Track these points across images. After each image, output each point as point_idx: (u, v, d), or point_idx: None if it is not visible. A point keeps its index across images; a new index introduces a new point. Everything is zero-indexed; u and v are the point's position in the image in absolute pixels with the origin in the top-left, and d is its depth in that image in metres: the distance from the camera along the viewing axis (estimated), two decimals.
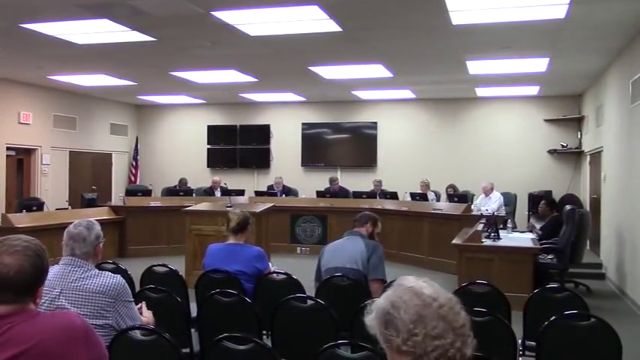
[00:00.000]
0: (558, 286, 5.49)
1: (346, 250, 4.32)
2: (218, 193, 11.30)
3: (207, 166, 13.74)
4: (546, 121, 11.93)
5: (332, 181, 11.50)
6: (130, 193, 11.08)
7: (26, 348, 1.73)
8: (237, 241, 4.44)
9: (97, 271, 2.75)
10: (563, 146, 11.70)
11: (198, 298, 4.07)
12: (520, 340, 3.52)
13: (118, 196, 12.43)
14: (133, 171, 14.02)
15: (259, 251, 4.44)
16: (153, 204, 10.35)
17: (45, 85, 11.30)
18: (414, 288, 1.35)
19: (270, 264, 4.53)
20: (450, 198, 9.96)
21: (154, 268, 4.40)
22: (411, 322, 1.30)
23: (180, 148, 14.06)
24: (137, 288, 3.95)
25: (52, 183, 11.74)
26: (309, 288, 4.04)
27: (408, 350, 1.29)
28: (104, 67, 9.56)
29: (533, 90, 11.24)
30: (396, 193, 10.65)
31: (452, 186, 10.76)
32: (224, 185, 10.81)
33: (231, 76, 9.91)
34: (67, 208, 10.19)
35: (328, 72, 9.50)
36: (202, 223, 7.55)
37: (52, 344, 1.76)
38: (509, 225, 7.74)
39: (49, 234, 7.68)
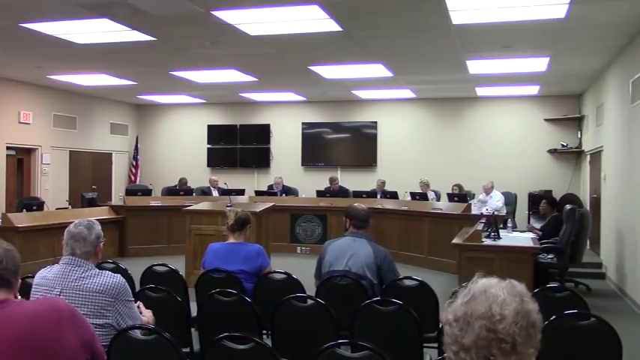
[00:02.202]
0: (558, 285, 5.49)
1: (353, 254, 4.10)
2: (216, 192, 11.31)
3: (208, 166, 13.74)
4: (546, 120, 11.93)
5: (332, 180, 11.52)
6: (130, 192, 11.07)
7: (18, 333, 1.76)
8: (237, 240, 4.44)
9: (97, 270, 2.75)
10: (563, 146, 11.70)
11: (198, 298, 4.07)
12: None
13: (118, 195, 12.44)
14: (133, 170, 14.02)
15: (259, 248, 4.43)
16: (153, 203, 10.35)
17: (45, 85, 11.30)
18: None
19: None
20: (450, 198, 9.96)
21: (154, 267, 4.40)
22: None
23: (180, 147, 14.06)
24: (137, 288, 3.96)
25: (52, 182, 11.74)
26: (309, 288, 4.03)
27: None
28: (104, 67, 9.56)
29: (534, 90, 11.23)
30: (396, 192, 10.65)
31: (457, 185, 10.77)
32: (224, 185, 10.81)
33: (231, 75, 9.91)
34: (67, 208, 10.19)
35: (328, 71, 9.50)
36: (202, 222, 7.55)
37: (43, 327, 1.81)
38: (510, 224, 7.73)
39: (50, 233, 7.70)
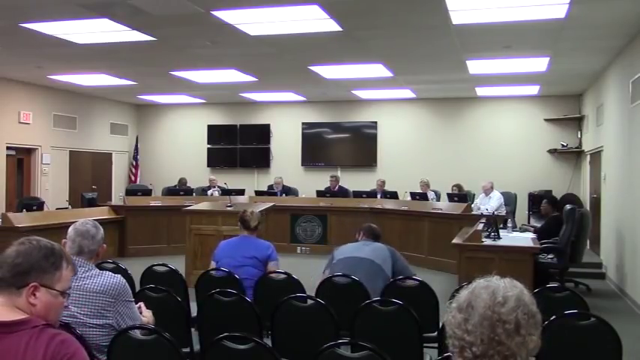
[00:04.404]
0: (558, 285, 5.49)
1: (371, 248, 4.43)
2: (215, 192, 11.31)
3: (208, 166, 13.73)
4: (546, 120, 11.93)
5: (331, 176, 11.55)
6: (130, 192, 11.07)
7: None
8: (250, 235, 4.71)
9: (98, 270, 2.75)
10: (563, 146, 11.70)
11: (198, 298, 4.07)
12: None
13: (118, 195, 12.44)
14: (133, 170, 14.02)
15: (270, 244, 4.71)
16: (153, 203, 10.34)
17: (45, 85, 11.30)
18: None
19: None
20: (450, 197, 9.96)
21: (154, 267, 4.40)
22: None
23: (180, 147, 14.06)
24: (137, 288, 3.96)
25: (52, 182, 11.74)
26: (309, 287, 4.03)
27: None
28: (104, 67, 9.56)
29: (534, 89, 11.23)
30: (396, 192, 10.65)
31: (457, 185, 10.76)
32: (224, 185, 10.81)
33: (231, 75, 9.91)
34: (67, 208, 10.19)
35: (328, 71, 9.50)
36: (202, 222, 7.55)
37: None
38: (510, 224, 7.73)
39: (50, 234, 7.64)
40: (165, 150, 14.24)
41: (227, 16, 6.21)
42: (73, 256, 2.74)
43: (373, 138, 12.86)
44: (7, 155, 10.83)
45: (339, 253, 4.47)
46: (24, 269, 1.74)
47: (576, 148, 11.53)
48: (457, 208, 9.03)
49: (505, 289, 1.38)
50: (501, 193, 10.10)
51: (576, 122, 11.66)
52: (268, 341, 3.32)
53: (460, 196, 9.85)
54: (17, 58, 8.77)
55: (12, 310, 1.69)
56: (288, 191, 11.62)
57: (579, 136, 11.57)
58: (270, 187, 11.78)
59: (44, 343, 1.63)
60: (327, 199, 10.76)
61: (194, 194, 11.04)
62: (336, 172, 12.42)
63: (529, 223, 9.50)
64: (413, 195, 10.32)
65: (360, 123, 13.03)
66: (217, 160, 13.76)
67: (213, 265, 4.59)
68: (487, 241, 6.24)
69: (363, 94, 12.08)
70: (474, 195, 10.66)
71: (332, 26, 6.54)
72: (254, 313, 3.39)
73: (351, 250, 4.46)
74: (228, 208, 7.69)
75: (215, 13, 6.08)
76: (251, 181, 13.23)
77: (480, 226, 6.62)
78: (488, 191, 9.99)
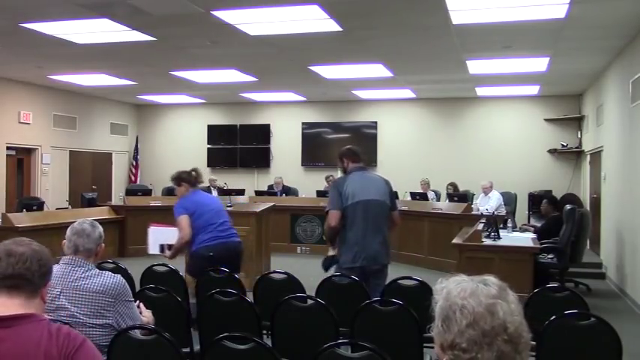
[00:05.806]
0: (558, 285, 5.49)
1: (375, 185, 4.68)
2: (215, 192, 11.30)
3: (208, 166, 13.72)
4: (546, 120, 11.93)
5: (327, 177, 11.55)
6: (130, 192, 11.07)
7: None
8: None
9: (98, 270, 2.75)
10: (563, 146, 11.70)
11: (198, 298, 4.08)
12: None
13: (118, 195, 12.44)
14: (133, 170, 14.02)
15: None
16: (153, 203, 10.33)
17: (45, 85, 11.30)
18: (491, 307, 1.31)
19: None
20: (450, 197, 9.95)
21: (154, 267, 4.41)
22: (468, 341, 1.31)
23: (180, 147, 14.05)
24: (137, 288, 3.96)
25: (52, 182, 11.74)
26: (309, 288, 4.04)
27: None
28: (104, 67, 9.55)
29: (534, 89, 11.23)
30: (396, 192, 10.61)
31: (452, 184, 10.76)
32: (224, 185, 10.81)
33: (231, 75, 9.91)
34: (67, 208, 10.19)
35: (328, 71, 9.50)
36: None
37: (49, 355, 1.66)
38: (510, 224, 7.73)
39: (50, 233, 7.70)
40: (165, 150, 14.24)
41: (227, 16, 6.21)
42: (71, 255, 2.74)
43: (373, 138, 12.86)
44: (7, 155, 10.82)
45: (350, 195, 4.50)
46: (48, 270, 1.82)
47: (576, 148, 11.53)
48: (457, 208, 9.03)
49: (503, 306, 1.29)
50: (501, 193, 10.09)
51: (576, 122, 11.66)
52: (268, 341, 3.32)
53: (460, 196, 9.85)
54: (17, 58, 8.77)
55: (28, 310, 1.75)
56: (288, 191, 11.62)
57: (579, 136, 11.57)
58: (270, 187, 11.78)
59: (53, 335, 1.69)
60: (327, 199, 10.71)
61: None
62: (336, 173, 12.39)
63: (529, 223, 9.48)
64: (413, 195, 10.32)
65: (360, 123, 13.03)
66: (217, 160, 13.75)
67: (185, 218, 4.97)
68: (487, 241, 6.23)
69: (363, 94, 12.08)
70: (474, 195, 10.65)
71: (332, 26, 6.54)
72: (254, 313, 3.40)
73: (360, 188, 4.54)
74: (229, 208, 7.68)
75: (215, 13, 6.08)
76: (251, 181, 13.23)
77: (480, 226, 6.62)
78: (487, 191, 9.98)
